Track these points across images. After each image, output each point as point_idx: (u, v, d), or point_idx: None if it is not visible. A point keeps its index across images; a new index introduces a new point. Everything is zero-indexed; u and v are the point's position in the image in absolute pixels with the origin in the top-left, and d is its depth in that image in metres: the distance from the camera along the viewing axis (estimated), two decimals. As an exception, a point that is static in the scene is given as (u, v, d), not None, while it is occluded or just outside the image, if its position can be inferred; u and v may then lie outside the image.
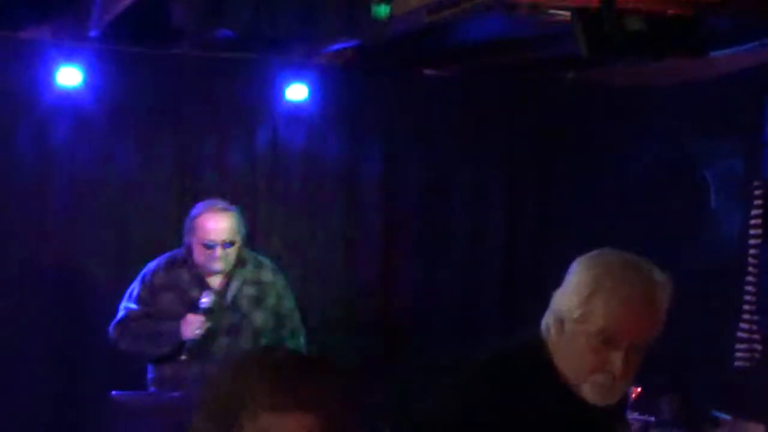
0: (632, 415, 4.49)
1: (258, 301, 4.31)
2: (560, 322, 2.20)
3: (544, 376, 2.23)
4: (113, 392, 3.99)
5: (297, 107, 5.38)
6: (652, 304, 2.15)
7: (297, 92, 5.31)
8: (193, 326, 4.13)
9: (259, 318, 4.29)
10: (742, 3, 3.51)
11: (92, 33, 4.68)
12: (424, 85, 5.70)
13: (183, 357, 4.17)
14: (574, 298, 2.17)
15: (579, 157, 5.66)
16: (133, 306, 4.27)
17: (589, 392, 2.19)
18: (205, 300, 4.16)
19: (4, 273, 5.00)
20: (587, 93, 5.64)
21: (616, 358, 2.13)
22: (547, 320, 2.25)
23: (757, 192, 4.16)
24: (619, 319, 2.12)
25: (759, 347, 4.33)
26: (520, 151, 5.80)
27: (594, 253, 2.24)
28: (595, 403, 2.19)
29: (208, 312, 4.14)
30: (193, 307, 4.19)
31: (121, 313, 4.28)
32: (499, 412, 2.18)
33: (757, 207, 4.12)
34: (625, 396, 2.54)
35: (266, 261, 4.46)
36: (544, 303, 2.28)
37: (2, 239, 5.00)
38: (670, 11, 3.34)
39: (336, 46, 4.99)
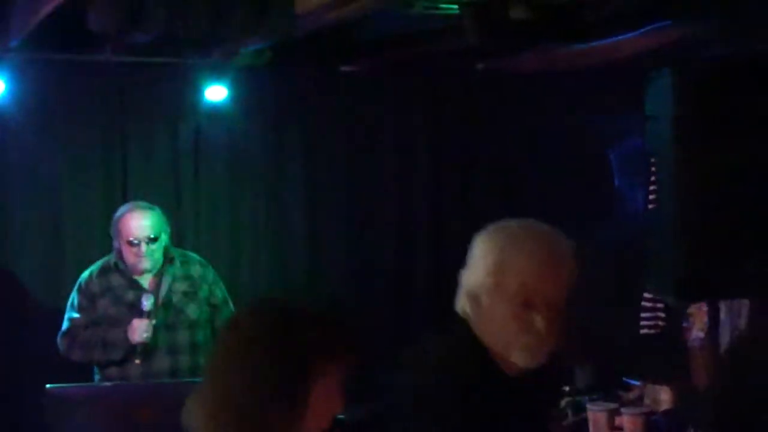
0: None
1: (190, 295, 4.47)
2: (475, 298, 2.23)
3: (475, 356, 2.26)
4: (48, 386, 3.94)
5: (217, 107, 5.42)
6: (560, 261, 2.22)
7: (216, 93, 5.34)
8: (140, 330, 4.28)
9: (193, 311, 4.45)
10: None
11: (12, 42, 4.69)
12: (341, 80, 5.75)
13: (137, 360, 4.31)
14: (485, 271, 2.20)
15: (493, 143, 5.77)
16: (75, 315, 4.41)
17: (519, 357, 2.21)
18: (146, 303, 4.31)
19: None
20: (497, 82, 5.70)
21: (538, 319, 2.18)
22: (461, 302, 2.28)
23: (653, 168, 4.25)
24: (532, 278, 2.18)
25: (662, 315, 4.47)
26: (439, 140, 5.88)
27: (492, 226, 2.28)
28: (527, 366, 2.22)
29: (151, 314, 4.30)
30: (131, 309, 4.34)
31: (66, 324, 4.42)
32: (448, 402, 2.19)
33: (652, 183, 4.23)
34: (559, 377, 2.71)
35: (194, 256, 4.63)
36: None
37: None
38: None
39: (253, 47, 5.01)
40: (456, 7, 3.50)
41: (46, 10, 4.05)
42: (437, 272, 5.71)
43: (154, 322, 4.31)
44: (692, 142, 3.35)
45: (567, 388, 4.61)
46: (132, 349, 4.30)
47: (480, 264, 2.23)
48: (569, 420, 4.41)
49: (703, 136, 3.38)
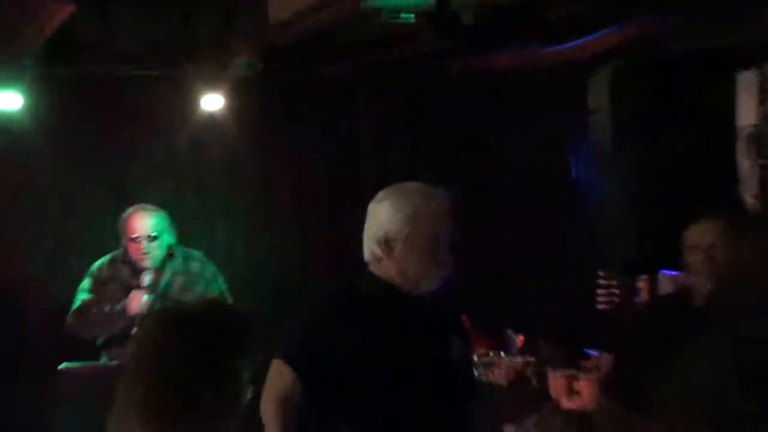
0: (516, 358, 4.85)
1: (187, 288, 4.65)
2: (388, 246, 2.64)
3: (379, 288, 2.67)
4: (61, 365, 4.22)
5: (213, 116, 5.50)
6: (449, 208, 2.67)
7: (213, 102, 5.40)
8: (137, 300, 4.49)
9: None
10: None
11: (24, 60, 4.80)
12: (323, 82, 5.80)
13: (135, 330, 4.33)
14: (398, 222, 2.63)
15: (467, 137, 5.81)
16: (85, 296, 4.62)
17: (428, 284, 2.66)
18: (145, 279, 4.54)
19: None
20: (470, 80, 5.72)
21: (445, 253, 2.64)
22: (371, 249, 2.69)
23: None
24: (438, 226, 2.64)
25: (617, 291, 4.67)
26: (421, 134, 5.97)
27: (390, 188, 2.74)
28: (435, 287, 2.66)
29: (149, 288, 4.51)
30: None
31: (76, 304, 4.63)
32: (359, 327, 2.60)
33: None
34: (458, 310, 2.98)
35: (196, 254, 4.81)
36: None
37: None
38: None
39: (244, 58, 5.03)
40: (413, 16, 3.64)
41: (51, 28, 4.16)
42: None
43: (152, 297, 4.50)
44: (627, 132, 3.57)
45: (533, 359, 4.81)
46: (131, 322, 4.44)
47: (392, 217, 2.64)
48: (534, 386, 4.58)
49: (636, 128, 3.60)
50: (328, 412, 2.62)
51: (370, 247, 2.69)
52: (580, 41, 4.53)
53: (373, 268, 2.70)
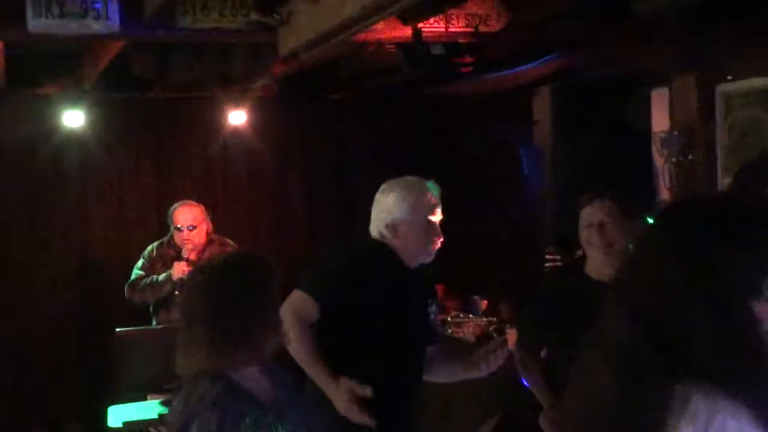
0: (481, 318, 4.81)
1: None
2: (394, 228, 2.64)
3: (393, 259, 2.67)
4: (118, 329, 4.22)
5: (239, 128, 5.50)
6: (436, 198, 2.68)
7: (238, 117, 5.42)
8: (179, 268, 4.40)
9: None
10: (513, 35, 3.77)
11: (86, 86, 4.90)
12: (328, 106, 5.83)
13: (176, 292, 4.33)
14: (404, 211, 2.64)
15: (436, 148, 5.72)
16: (139, 272, 4.58)
17: (426, 257, 2.67)
18: (186, 251, 4.47)
19: (38, 249, 5.27)
20: (440, 102, 5.76)
21: (437, 233, 2.66)
22: (380, 229, 2.67)
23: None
24: (432, 212, 2.65)
25: (559, 258, 4.53)
26: (410, 150, 5.72)
27: (394, 180, 2.71)
28: (428, 260, 2.67)
29: (188, 261, 4.42)
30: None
31: (132, 278, 4.58)
32: (366, 276, 2.61)
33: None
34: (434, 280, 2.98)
35: (230, 242, 4.70)
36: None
37: (34, 232, 5.26)
38: (461, 40, 3.64)
39: (262, 82, 5.12)
40: (394, 48, 3.64)
41: (105, 62, 4.28)
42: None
43: (190, 267, 4.34)
44: (563, 136, 3.57)
45: (494, 319, 4.82)
46: (173, 288, 4.40)
47: (398, 205, 2.64)
48: (496, 339, 4.58)
49: (570, 132, 3.60)
50: (335, 345, 2.58)
51: (378, 229, 2.67)
52: (521, 69, 4.54)
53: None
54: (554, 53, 4.33)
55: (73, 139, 5.23)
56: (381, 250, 2.67)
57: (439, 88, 5.43)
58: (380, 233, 2.67)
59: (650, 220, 3.19)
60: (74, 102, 5.08)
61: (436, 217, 2.67)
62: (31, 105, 5.21)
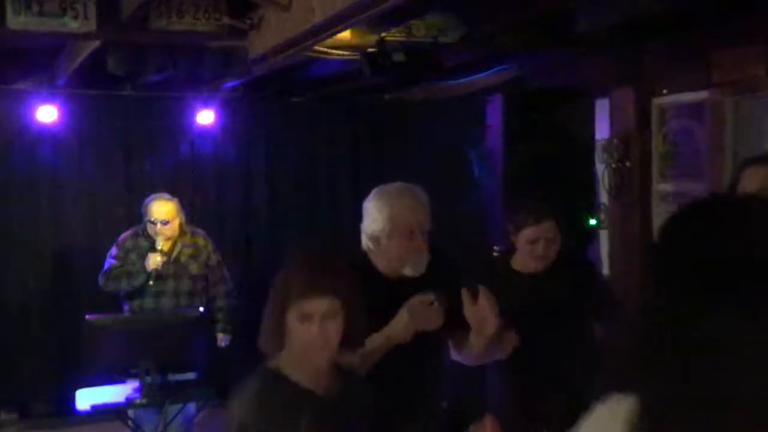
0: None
1: (193, 256, 4.50)
2: (376, 240, 2.39)
3: (373, 273, 2.42)
4: (87, 315, 3.99)
5: (206, 128, 5.48)
6: (423, 205, 2.41)
7: (206, 117, 5.41)
8: (153, 259, 4.32)
9: (194, 267, 4.49)
10: (468, 46, 3.82)
11: (60, 82, 4.81)
12: (292, 107, 5.80)
13: (151, 282, 4.33)
14: (380, 222, 2.38)
15: (393, 150, 5.77)
16: (112, 261, 4.46)
17: (410, 269, 2.37)
18: (159, 243, 4.38)
19: (27, 244, 5.21)
20: (399, 107, 5.79)
21: (419, 243, 2.36)
22: (366, 242, 2.43)
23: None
24: (410, 222, 2.36)
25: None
26: (361, 150, 5.88)
27: (377, 189, 2.45)
28: (414, 275, 2.37)
29: (161, 253, 4.34)
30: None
31: (105, 266, 4.46)
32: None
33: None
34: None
35: (200, 231, 4.65)
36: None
37: (15, 224, 5.19)
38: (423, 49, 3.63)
39: (230, 83, 5.15)
40: (358, 54, 3.63)
41: (80, 59, 4.18)
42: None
43: (163, 259, 4.35)
44: (513, 140, 3.63)
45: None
46: (147, 276, 4.34)
47: (377, 217, 2.38)
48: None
49: (519, 137, 3.66)
50: None
51: (365, 241, 2.47)
52: (472, 78, 4.56)
53: (371, 256, 2.47)
54: (504, 64, 4.39)
55: (46, 133, 5.14)
56: (359, 264, 2.41)
57: (397, 93, 5.45)
58: (366, 245, 2.44)
59: (592, 221, 3.29)
60: (47, 98, 5.00)
61: (417, 221, 2.37)
62: (5, 100, 5.10)
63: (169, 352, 3.78)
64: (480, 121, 4.86)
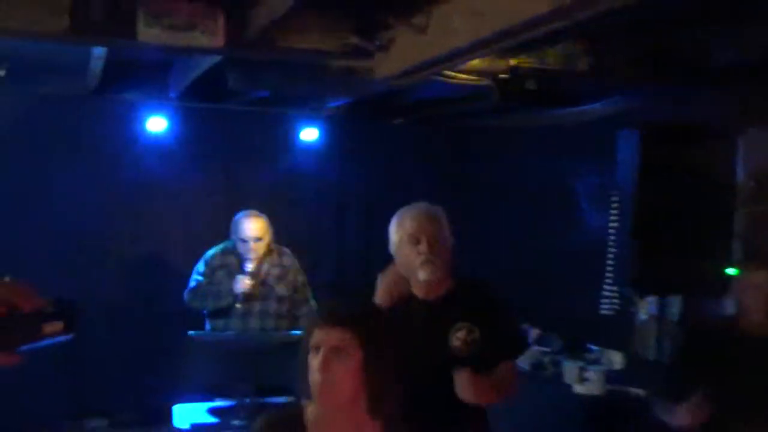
0: (534, 347, 4.56)
1: (280, 277, 4.33)
2: (397, 255, 2.56)
3: (409, 294, 2.56)
4: (190, 332, 3.88)
5: (309, 145, 5.40)
6: (431, 216, 2.53)
7: (309, 134, 5.35)
8: (241, 283, 4.17)
9: (281, 289, 4.33)
10: (596, 76, 3.59)
11: (172, 95, 4.74)
12: (393, 130, 5.67)
13: (238, 305, 4.19)
14: (393, 235, 2.56)
15: (494, 179, 5.57)
16: (199, 278, 4.30)
17: (421, 274, 2.47)
18: (248, 266, 4.22)
19: (125, 253, 5.13)
20: (498, 134, 5.52)
21: (425, 248, 2.47)
22: (395, 257, 2.57)
23: (614, 198, 4.27)
24: (415, 228, 2.50)
25: (617, 301, 4.38)
26: (463, 174, 5.69)
27: (400, 210, 2.60)
28: (426, 279, 2.46)
29: (251, 275, 4.19)
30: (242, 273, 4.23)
31: (192, 284, 4.31)
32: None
33: (615, 208, 4.19)
34: (458, 303, 2.58)
35: (287, 251, 4.48)
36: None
37: (114, 232, 5.10)
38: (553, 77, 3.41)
39: (335, 103, 5.03)
40: (485, 79, 3.39)
41: (195, 74, 4.08)
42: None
43: (253, 282, 4.19)
44: (649, 179, 3.34)
45: (549, 349, 4.60)
46: (235, 298, 4.20)
47: (392, 231, 2.57)
48: (549, 372, 4.36)
49: (655, 176, 3.37)
50: None
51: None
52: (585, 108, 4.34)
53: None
54: (629, 95, 4.09)
55: (153, 143, 5.06)
56: (404, 288, 2.57)
57: (499, 120, 5.14)
58: (397, 261, 2.57)
59: (730, 270, 3.01)
60: (157, 108, 4.97)
61: (424, 233, 2.48)
62: (117, 110, 5.02)
63: (269, 373, 3.61)
64: (601, 153, 4.62)
